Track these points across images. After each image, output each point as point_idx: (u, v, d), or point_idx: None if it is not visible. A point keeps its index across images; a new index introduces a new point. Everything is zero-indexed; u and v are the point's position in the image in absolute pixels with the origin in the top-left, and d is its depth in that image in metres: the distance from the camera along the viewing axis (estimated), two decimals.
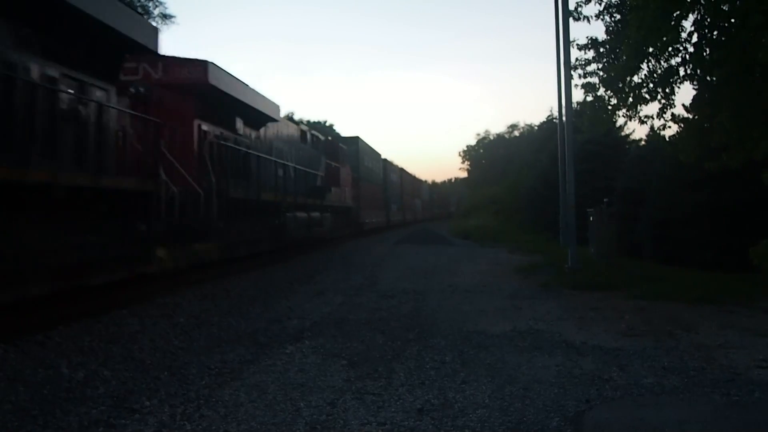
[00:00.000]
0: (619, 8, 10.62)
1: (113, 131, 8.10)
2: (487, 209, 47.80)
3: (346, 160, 24.32)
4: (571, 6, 11.57)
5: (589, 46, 10.95)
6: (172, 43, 76.04)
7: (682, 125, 10.10)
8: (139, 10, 25.62)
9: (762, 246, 9.27)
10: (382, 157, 36.90)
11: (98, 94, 7.75)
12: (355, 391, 4.59)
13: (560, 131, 13.22)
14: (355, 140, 29.52)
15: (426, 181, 74.35)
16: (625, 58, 9.24)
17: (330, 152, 21.98)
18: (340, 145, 24.22)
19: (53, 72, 6.90)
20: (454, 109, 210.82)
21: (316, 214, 18.27)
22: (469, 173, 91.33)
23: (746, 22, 7.81)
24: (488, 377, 4.90)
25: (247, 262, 13.22)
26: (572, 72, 11.60)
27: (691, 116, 10.08)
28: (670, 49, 9.08)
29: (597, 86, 10.68)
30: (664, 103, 9.72)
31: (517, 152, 54.53)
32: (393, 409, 4.17)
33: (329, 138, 24.61)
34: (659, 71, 9.44)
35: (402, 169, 45.69)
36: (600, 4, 10.79)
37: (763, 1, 7.58)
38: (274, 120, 14.67)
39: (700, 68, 9.28)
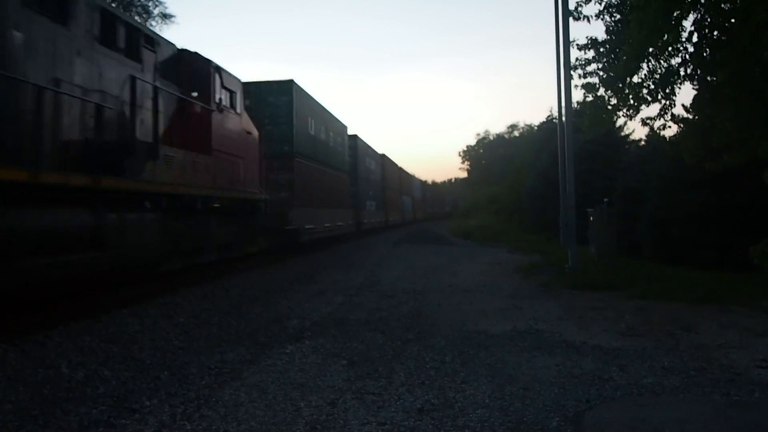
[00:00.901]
0: (619, 8, 10.59)
1: None
2: (487, 209, 47.92)
3: (248, 110, 13.18)
4: (571, 6, 11.57)
5: (589, 46, 10.93)
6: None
7: (683, 125, 10.09)
8: (139, 9, 25.65)
9: (762, 245, 9.24)
10: (351, 133, 26.09)
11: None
12: (355, 390, 4.59)
13: (560, 131, 13.22)
14: (288, 85, 16.73)
15: (424, 181, 73.99)
16: (625, 58, 9.22)
17: (190, 76, 10.39)
18: (231, 75, 11.79)
19: None
20: (454, 110, 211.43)
21: (81, 219, 7.21)
22: (469, 173, 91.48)
23: (748, 21, 7.78)
24: (488, 377, 4.90)
25: (247, 262, 13.24)
26: (572, 72, 11.60)
27: (691, 116, 10.07)
28: (670, 49, 9.06)
29: (597, 86, 10.66)
30: (664, 104, 9.72)
31: (517, 152, 54.45)
32: (393, 409, 4.17)
33: (185, 49, 10.64)
34: (660, 71, 9.43)
35: (384, 156, 35.71)
36: (600, 4, 10.78)
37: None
38: None
39: (700, 68, 9.26)
